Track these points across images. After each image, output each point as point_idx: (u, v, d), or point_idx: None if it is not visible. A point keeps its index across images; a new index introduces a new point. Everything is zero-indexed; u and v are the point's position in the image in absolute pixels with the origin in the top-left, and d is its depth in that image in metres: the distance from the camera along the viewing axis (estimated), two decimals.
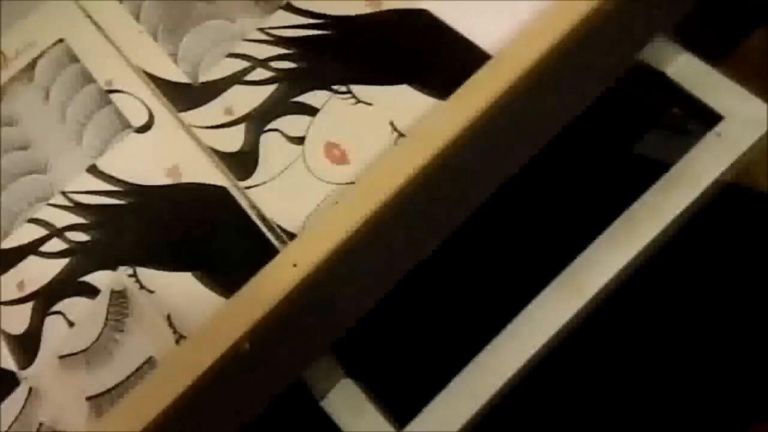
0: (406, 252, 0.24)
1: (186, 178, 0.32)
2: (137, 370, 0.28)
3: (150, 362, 0.28)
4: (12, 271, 0.32)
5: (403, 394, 0.25)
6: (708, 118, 0.27)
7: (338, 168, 0.30)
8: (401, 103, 0.31)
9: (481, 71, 0.26)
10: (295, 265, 0.24)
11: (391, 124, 0.30)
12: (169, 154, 0.33)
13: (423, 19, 0.32)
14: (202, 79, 0.34)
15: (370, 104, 0.31)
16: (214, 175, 0.32)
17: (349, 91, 0.32)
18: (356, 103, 0.31)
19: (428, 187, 0.24)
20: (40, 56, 0.38)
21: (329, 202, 0.29)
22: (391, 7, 0.33)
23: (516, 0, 0.31)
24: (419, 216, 0.24)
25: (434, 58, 0.31)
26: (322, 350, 0.24)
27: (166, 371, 0.25)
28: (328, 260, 0.24)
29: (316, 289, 0.24)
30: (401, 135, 0.30)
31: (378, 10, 0.33)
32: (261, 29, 0.34)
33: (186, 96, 0.34)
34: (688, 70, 0.27)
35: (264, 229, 0.30)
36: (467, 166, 0.25)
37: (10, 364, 0.30)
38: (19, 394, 0.29)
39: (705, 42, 0.29)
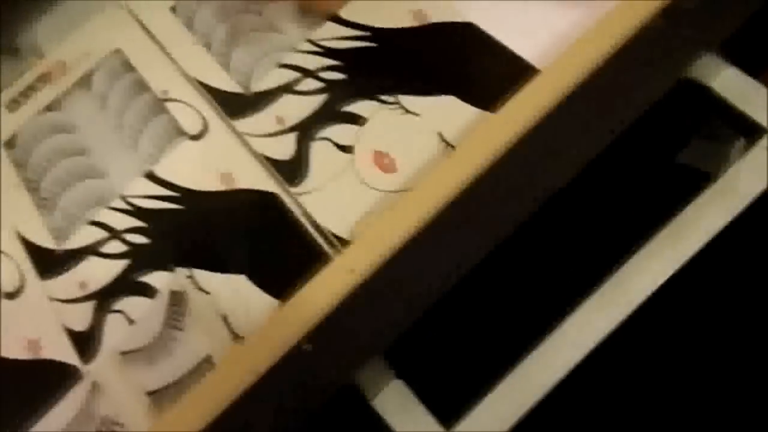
0: (457, 258, 0.25)
1: (239, 185, 0.34)
2: (196, 367, 0.29)
3: (208, 360, 0.29)
4: (74, 270, 0.34)
5: (451, 395, 0.26)
6: (752, 132, 0.28)
7: (386, 176, 0.31)
8: (448, 113, 0.32)
9: (529, 85, 0.27)
10: (351, 270, 0.25)
11: (439, 134, 0.31)
12: (223, 161, 0.34)
13: (469, 31, 0.33)
14: (254, 88, 0.36)
15: (417, 114, 0.32)
16: (266, 181, 0.33)
17: (396, 102, 0.33)
18: (404, 113, 0.32)
19: (478, 196, 0.25)
20: (97, 65, 0.40)
21: (379, 208, 0.30)
22: (437, 20, 0.34)
23: (555, 14, 0.33)
24: (470, 224, 0.25)
25: (480, 69, 0.32)
26: (375, 353, 0.25)
27: (226, 371, 0.26)
28: (382, 265, 0.25)
29: (372, 293, 0.25)
30: (449, 145, 0.31)
31: (424, 23, 0.34)
32: (310, 41, 0.36)
33: (238, 105, 0.36)
34: (733, 85, 0.27)
35: (315, 234, 0.31)
36: (516, 177, 0.25)
37: (73, 359, 0.32)
38: (81, 388, 0.31)
39: (748, 56, 0.30)
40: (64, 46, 0.42)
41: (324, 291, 0.25)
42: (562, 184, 0.25)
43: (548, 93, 0.26)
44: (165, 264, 0.32)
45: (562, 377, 0.25)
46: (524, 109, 0.26)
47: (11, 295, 0.34)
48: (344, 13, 0.36)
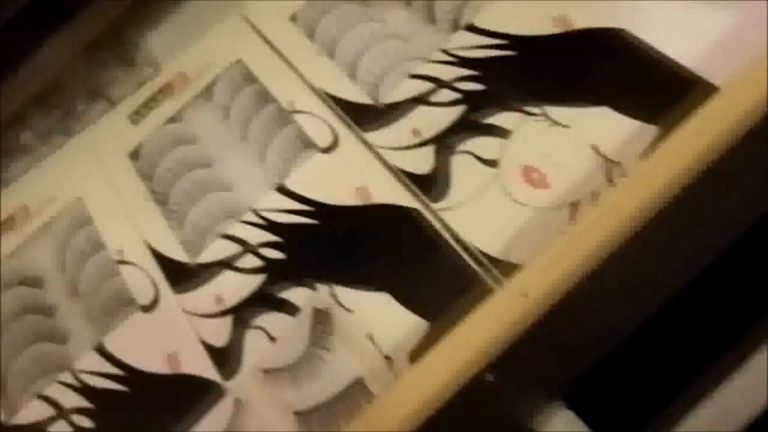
0: (643, 291, 0.23)
1: (376, 199, 0.33)
2: (346, 389, 0.29)
3: (359, 382, 0.29)
4: (208, 284, 0.34)
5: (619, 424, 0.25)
6: None
7: (538, 192, 0.30)
8: (602, 125, 0.30)
9: (709, 104, 0.25)
10: (525, 295, 0.24)
11: (593, 147, 0.30)
12: (357, 174, 0.34)
13: (621, 38, 0.31)
14: (385, 99, 0.35)
15: (567, 126, 0.31)
16: (404, 196, 0.32)
17: (543, 113, 0.32)
18: (552, 125, 0.31)
19: (668, 222, 0.24)
20: (218, 76, 0.41)
21: (532, 226, 0.29)
22: (583, 26, 0.33)
23: (712, 16, 0.31)
24: (659, 253, 0.24)
25: (635, 77, 0.30)
26: (554, 392, 0.23)
27: (397, 399, 0.25)
28: (559, 291, 0.23)
29: (548, 322, 0.24)
30: (607, 159, 0.29)
31: (569, 29, 0.33)
32: (443, 50, 0.35)
33: (369, 117, 0.35)
34: None
35: (461, 252, 0.30)
36: (712, 199, 0.24)
37: (213, 374, 0.32)
38: (225, 405, 0.31)
39: None
40: (184, 57, 0.42)
41: (496, 317, 0.24)
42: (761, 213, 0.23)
43: (731, 113, 0.24)
44: (304, 280, 0.32)
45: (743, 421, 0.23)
46: (704, 129, 0.24)
47: (147, 308, 0.35)
48: (478, 21, 0.35)
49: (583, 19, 0.33)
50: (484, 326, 0.24)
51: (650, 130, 0.29)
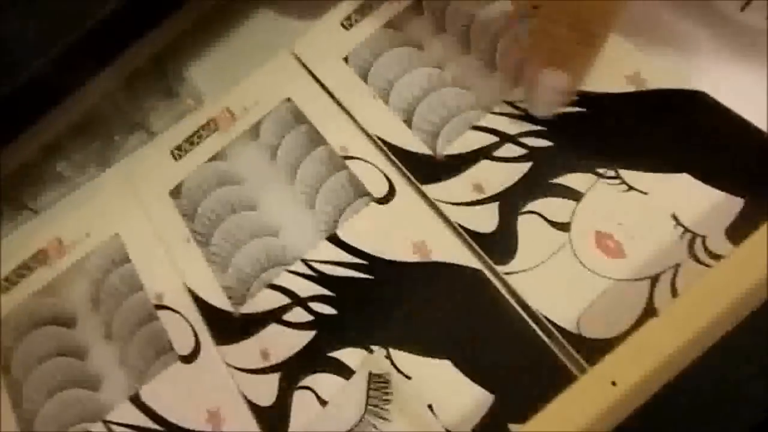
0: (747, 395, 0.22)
1: (435, 257, 0.31)
2: None
3: None
4: (254, 338, 0.32)
5: None
6: None
7: (613, 261, 0.28)
8: (682, 193, 0.29)
9: None
10: (614, 383, 0.22)
11: (674, 216, 0.29)
12: (415, 228, 0.32)
13: (699, 101, 0.30)
14: (445, 151, 0.33)
15: (644, 193, 0.29)
16: (466, 256, 0.31)
17: (617, 176, 0.30)
18: (627, 190, 0.30)
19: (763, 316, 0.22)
20: (266, 115, 0.39)
21: (608, 298, 0.28)
22: (658, 87, 0.32)
23: None
24: (752, 346, 0.22)
25: (718, 145, 0.29)
26: None
27: None
28: (651, 380, 0.22)
29: (641, 415, 0.22)
30: (688, 230, 0.28)
31: (642, 89, 0.32)
32: (508, 102, 0.34)
33: (428, 168, 0.33)
34: None
35: (529, 321, 0.29)
36: None
37: None
38: None
39: None
40: (230, 93, 0.40)
41: (581, 405, 0.22)
42: None
43: None
44: (358, 340, 0.30)
45: None
46: None
47: (187, 359, 0.33)
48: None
49: (658, 80, 0.31)
50: (567, 415, 0.22)
51: (736, 203, 0.28)
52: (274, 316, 0.33)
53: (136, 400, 0.33)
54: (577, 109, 0.32)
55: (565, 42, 0.30)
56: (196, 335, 0.34)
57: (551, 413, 0.22)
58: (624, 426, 0.22)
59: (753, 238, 0.22)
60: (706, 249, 0.27)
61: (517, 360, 0.28)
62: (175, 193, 0.39)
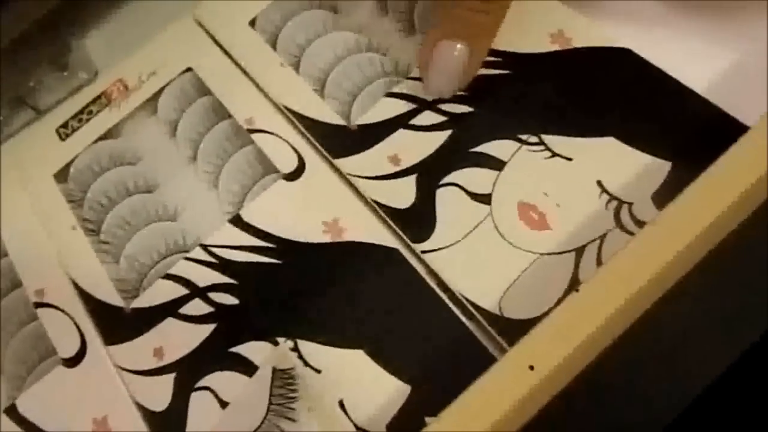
0: (684, 364, 0.20)
1: (349, 236, 0.28)
2: None
3: None
4: (147, 335, 0.29)
5: None
6: None
7: (537, 234, 0.26)
8: (608, 159, 0.26)
9: (742, 142, 0.22)
10: (531, 368, 0.20)
11: (599, 183, 0.27)
12: (326, 206, 0.29)
13: (626, 60, 0.28)
14: (359, 120, 0.31)
15: (569, 159, 0.27)
16: (382, 234, 0.28)
17: (541, 142, 0.28)
18: (551, 156, 0.27)
19: (699, 277, 0.20)
20: (165, 86, 0.35)
21: (531, 275, 0.26)
22: (583, 45, 0.30)
23: (722, 40, 0.28)
24: (688, 318, 0.20)
25: (644, 106, 0.27)
26: None
27: None
28: (573, 364, 0.20)
29: (561, 400, 0.20)
30: (612, 197, 0.26)
31: (567, 48, 0.30)
32: None
33: (341, 140, 0.30)
34: None
35: (449, 303, 0.26)
36: (744, 254, 0.21)
37: None
38: None
39: None
40: (125, 63, 0.36)
41: (498, 391, 0.20)
42: None
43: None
44: (263, 332, 0.27)
45: None
46: (739, 173, 0.21)
47: (71, 362, 0.29)
48: None
49: (582, 38, 0.29)
50: (484, 402, 0.20)
51: (664, 166, 0.26)
52: (170, 309, 0.29)
53: (12, 412, 0.29)
54: (499, 70, 0.30)
55: (468, 12, 0.27)
56: (81, 335, 0.30)
57: (464, 404, 0.20)
58: (548, 410, 0.20)
59: (676, 202, 0.20)
60: (632, 217, 0.25)
61: (436, 346, 0.25)
62: (61, 176, 0.34)
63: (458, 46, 0.27)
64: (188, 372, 0.27)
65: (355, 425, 0.25)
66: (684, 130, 0.26)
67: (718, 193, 0.21)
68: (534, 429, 0.19)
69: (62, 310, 0.30)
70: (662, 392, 0.19)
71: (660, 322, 0.20)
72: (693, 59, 0.27)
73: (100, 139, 0.35)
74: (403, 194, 0.28)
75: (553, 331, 0.20)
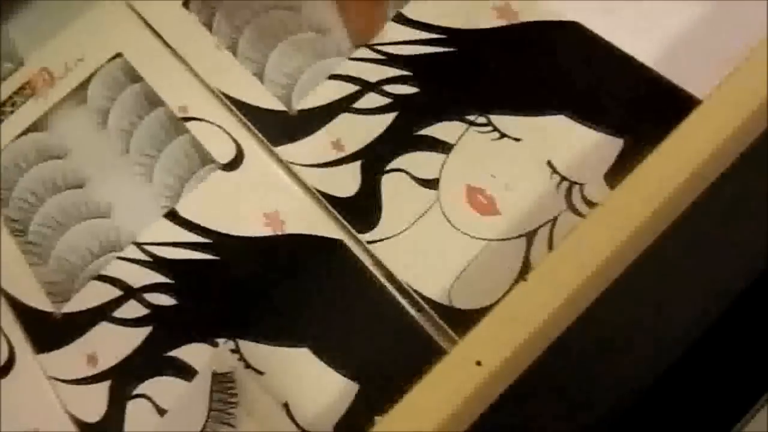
0: (632, 351, 0.19)
1: (290, 228, 0.27)
2: None
3: None
4: (79, 341, 0.27)
5: None
6: None
7: (486, 219, 0.25)
8: (557, 137, 0.25)
9: (693, 117, 0.21)
10: (479, 363, 0.19)
11: (549, 164, 0.25)
12: (266, 197, 0.28)
13: (574, 34, 0.27)
14: (300, 105, 0.29)
15: (518, 139, 0.26)
16: (325, 225, 0.26)
17: (488, 123, 0.27)
18: (500, 137, 0.26)
19: (648, 261, 0.19)
20: (93, 74, 0.33)
21: (481, 263, 0.25)
22: (530, 19, 0.28)
23: (672, 11, 0.27)
24: (640, 304, 0.19)
25: (593, 81, 0.26)
26: None
27: None
28: (521, 358, 0.19)
29: (508, 397, 0.19)
30: (563, 178, 0.25)
31: (513, 22, 0.28)
32: (369, 46, 0.29)
33: (281, 126, 0.29)
34: None
35: (396, 295, 0.25)
36: (690, 236, 0.20)
37: None
38: None
39: None
40: (50, 50, 0.34)
41: (444, 389, 0.19)
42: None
43: (721, 126, 0.20)
44: (201, 333, 0.25)
45: None
46: (691, 147, 0.20)
47: None
48: (409, 12, 0.29)
49: (530, 11, 0.28)
50: (429, 401, 0.19)
51: (615, 144, 0.25)
52: (103, 313, 0.27)
53: None
54: (444, 48, 0.29)
55: None
56: (9, 344, 0.28)
57: (410, 404, 0.19)
58: (498, 406, 0.19)
59: (625, 183, 0.19)
60: (584, 198, 0.24)
61: (384, 341, 0.24)
62: None
63: None
64: (124, 379, 0.26)
65: (301, 428, 0.23)
66: (635, 105, 0.25)
67: (669, 171, 0.20)
68: (484, 427, 0.18)
69: None
70: (614, 383, 0.19)
71: (611, 309, 0.19)
72: (642, 32, 0.26)
73: (25, 132, 0.32)
74: (346, 182, 0.27)
75: (501, 324, 0.19)
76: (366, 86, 0.28)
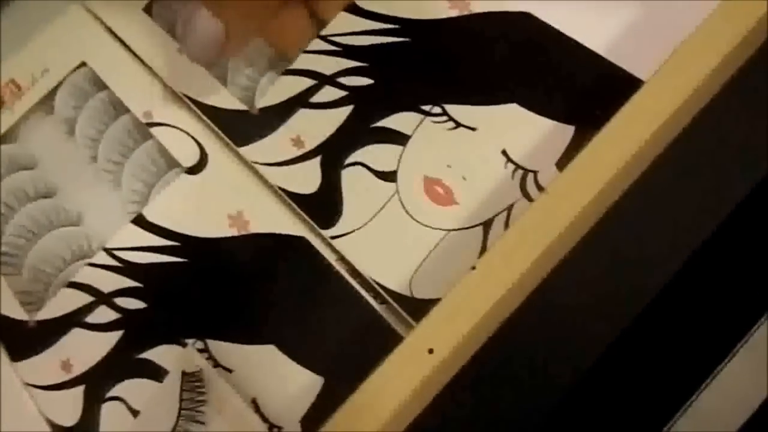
0: (581, 336, 0.19)
1: (254, 228, 0.27)
2: None
3: None
4: (53, 348, 0.27)
5: None
6: None
7: (444, 210, 0.25)
8: (511, 126, 0.26)
9: (637, 97, 0.21)
10: (430, 351, 0.19)
11: (504, 153, 0.26)
12: (230, 198, 0.28)
13: (525, 23, 0.27)
14: (260, 104, 0.30)
15: (473, 129, 0.26)
16: (288, 223, 0.27)
17: (444, 113, 0.27)
18: (455, 127, 0.27)
19: (592, 244, 0.20)
20: (59, 84, 0.33)
21: (440, 252, 0.25)
22: (483, 10, 0.28)
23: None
24: (584, 284, 0.20)
25: (544, 69, 0.26)
26: None
27: None
28: (471, 344, 0.19)
29: (459, 382, 0.19)
30: (518, 167, 0.25)
31: (466, 12, 0.28)
32: (322, 37, 0.30)
33: (243, 126, 0.29)
34: None
35: (360, 289, 0.25)
36: (632, 217, 0.20)
37: None
38: None
39: None
40: (16, 62, 0.34)
41: (397, 377, 0.19)
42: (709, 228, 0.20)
43: (663, 108, 0.20)
44: (170, 335, 0.26)
45: None
46: (634, 129, 0.20)
47: None
48: (361, 2, 0.29)
49: (481, 1, 0.28)
50: (383, 390, 0.19)
51: (567, 131, 0.25)
52: (75, 319, 0.28)
53: None
54: (397, 38, 0.29)
55: None
56: None
57: (365, 393, 0.19)
58: (449, 392, 0.19)
59: (568, 169, 0.20)
60: (538, 185, 0.24)
61: (349, 335, 0.24)
62: None
63: (218, 22, 0.25)
64: (97, 383, 0.26)
65: (269, 422, 0.24)
66: (586, 92, 0.25)
67: (611, 154, 0.20)
68: (436, 414, 0.19)
69: None
70: (561, 363, 0.19)
71: (558, 292, 0.19)
72: (591, 19, 0.27)
73: None
74: (308, 179, 0.27)
75: (451, 312, 0.19)
76: (322, 80, 0.29)
